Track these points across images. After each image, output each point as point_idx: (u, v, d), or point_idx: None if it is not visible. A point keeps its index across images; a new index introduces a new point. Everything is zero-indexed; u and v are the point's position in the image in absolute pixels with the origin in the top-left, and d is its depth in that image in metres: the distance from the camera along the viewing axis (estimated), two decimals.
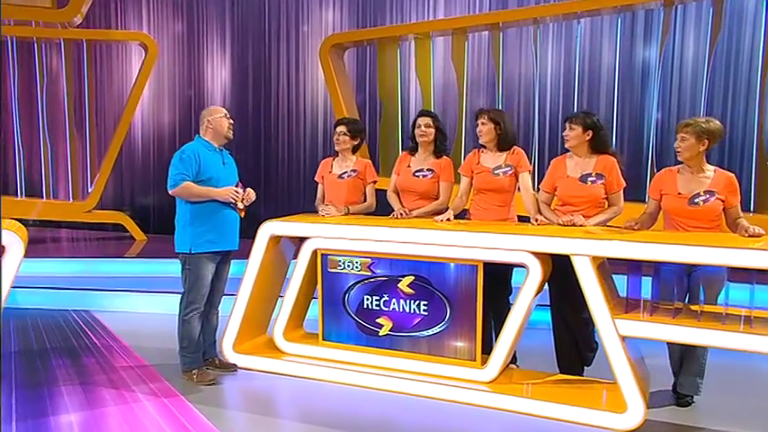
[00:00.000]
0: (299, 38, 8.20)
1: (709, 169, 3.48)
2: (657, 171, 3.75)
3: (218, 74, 8.87)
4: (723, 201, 3.37)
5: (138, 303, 5.63)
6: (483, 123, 3.91)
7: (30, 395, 3.58)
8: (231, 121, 3.92)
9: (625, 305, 3.28)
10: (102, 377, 3.88)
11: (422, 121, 4.08)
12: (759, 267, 2.88)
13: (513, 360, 3.93)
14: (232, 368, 4.01)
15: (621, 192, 3.74)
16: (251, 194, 3.88)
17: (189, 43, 8.88)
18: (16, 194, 7.57)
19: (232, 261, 3.98)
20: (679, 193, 3.45)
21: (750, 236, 3.16)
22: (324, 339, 3.99)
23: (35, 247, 7.49)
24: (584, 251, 3.21)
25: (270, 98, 8.55)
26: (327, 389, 3.75)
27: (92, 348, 4.52)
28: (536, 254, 3.36)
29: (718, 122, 3.46)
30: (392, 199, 4.20)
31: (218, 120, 3.84)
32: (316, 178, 4.41)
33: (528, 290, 3.40)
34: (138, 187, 9.09)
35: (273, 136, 8.42)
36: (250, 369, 3.99)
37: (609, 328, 3.17)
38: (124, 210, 8.04)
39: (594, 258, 3.19)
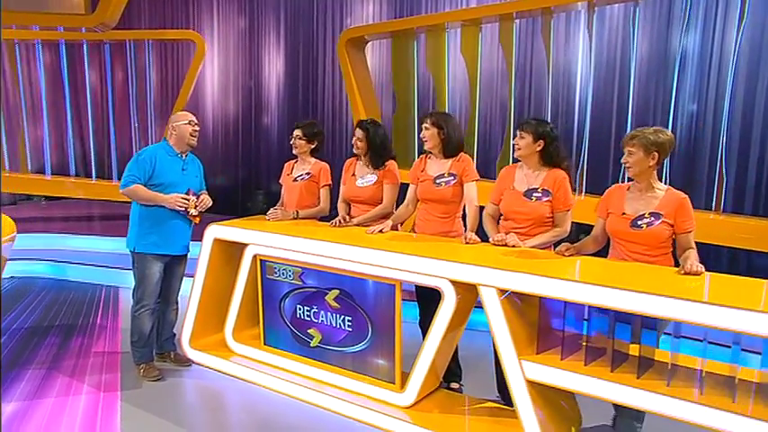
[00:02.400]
0: (342, 30, 7.98)
1: (661, 188, 2.79)
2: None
3: (273, 65, 8.85)
4: (672, 225, 2.70)
5: None
6: (426, 128, 3.44)
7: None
8: (195, 128, 3.74)
9: (545, 343, 2.76)
10: (70, 362, 3.93)
11: (356, 134, 3.70)
12: (682, 320, 2.26)
13: (457, 379, 3.54)
14: (187, 363, 3.94)
15: (569, 212, 3.13)
16: (205, 201, 3.72)
17: (250, 38, 8.93)
18: (91, 177, 8.07)
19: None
20: (623, 213, 2.80)
21: (686, 273, 2.50)
22: (264, 344, 3.79)
23: (93, 225, 8.01)
24: (489, 282, 2.71)
25: (317, 89, 8.42)
26: (266, 393, 3.56)
27: (88, 329, 4.62)
28: (451, 279, 2.90)
29: (668, 133, 2.76)
30: (340, 207, 3.87)
31: (181, 126, 3.69)
32: (280, 180, 4.18)
33: (443, 315, 2.95)
34: (206, 170, 9.39)
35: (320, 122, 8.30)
36: (201, 365, 3.92)
37: (515, 369, 2.67)
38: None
39: (501, 290, 2.69)
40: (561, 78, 6.21)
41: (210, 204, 3.78)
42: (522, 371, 2.65)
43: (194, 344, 3.97)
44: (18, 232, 4.53)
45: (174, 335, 4.00)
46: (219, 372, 3.82)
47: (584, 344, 2.73)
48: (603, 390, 2.47)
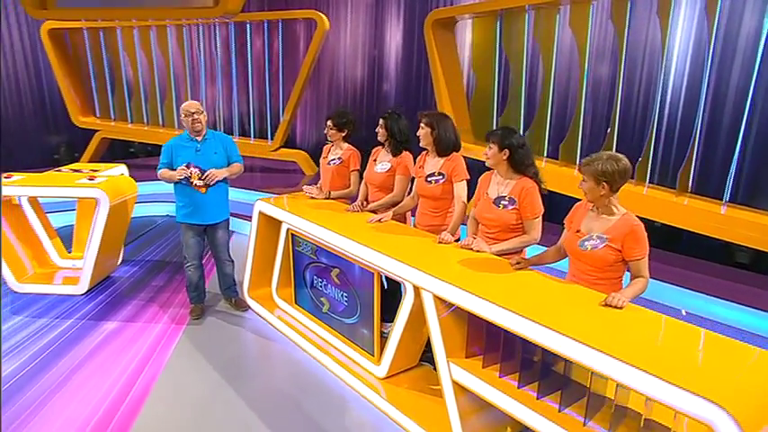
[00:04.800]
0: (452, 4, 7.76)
1: (618, 212, 2.59)
2: None
3: (393, 37, 8.99)
4: (619, 251, 2.52)
5: None
6: (420, 127, 3.49)
7: (117, 299, 4.78)
8: (191, 118, 4.01)
9: (474, 349, 2.77)
10: (166, 296, 4.79)
11: (379, 123, 3.83)
12: (570, 358, 2.17)
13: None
14: (244, 308, 4.58)
15: (538, 219, 3.02)
16: (211, 175, 4.02)
17: (376, 11, 9.14)
18: (233, 135, 9.11)
19: None
20: (578, 231, 2.67)
21: (606, 305, 2.35)
22: (295, 303, 4.28)
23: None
24: (425, 286, 2.80)
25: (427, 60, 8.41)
26: (292, 346, 4.06)
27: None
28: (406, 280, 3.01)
29: (620, 162, 2.51)
30: (361, 190, 4.10)
31: (183, 119, 4.06)
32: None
33: (405, 306, 3.10)
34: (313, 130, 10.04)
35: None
36: (255, 312, 4.55)
37: (444, 369, 2.78)
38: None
39: (436, 296, 2.77)
40: (676, 61, 5.45)
41: (219, 177, 4.08)
42: (449, 371, 2.75)
43: (251, 294, 4.58)
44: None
45: (234, 284, 4.61)
46: (266, 321, 4.40)
47: (519, 354, 2.71)
48: (507, 405, 2.48)
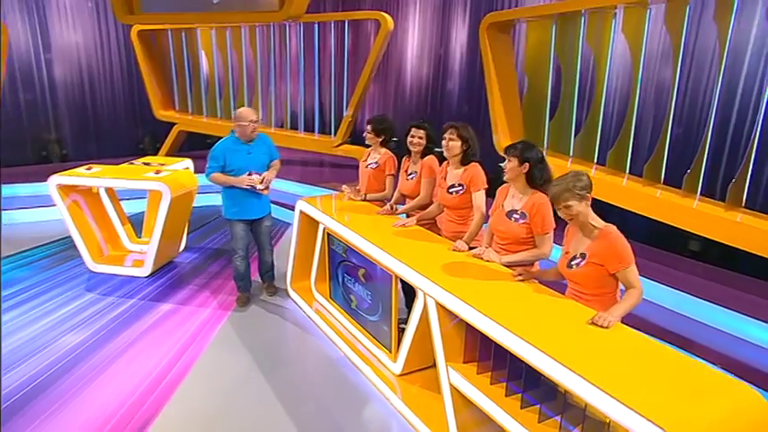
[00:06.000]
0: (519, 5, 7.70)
1: (596, 226, 2.66)
2: None
3: (458, 37, 9.03)
4: (602, 265, 2.58)
5: None
6: (451, 139, 3.60)
7: (175, 283, 5.28)
8: (252, 126, 4.36)
9: (472, 354, 2.89)
10: (219, 281, 5.25)
11: (415, 132, 3.99)
12: (550, 377, 2.26)
13: None
14: (272, 292, 4.95)
15: (548, 235, 3.08)
16: (268, 177, 4.43)
17: (443, 11, 9.22)
18: (299, 130, 9.52)
19: None
20: (566, 252, 2.74)
21: (592, 323, 2.41)
22: (329, 297, 4.55)
23: (293, 170, 9.45)
24: (430, 292, 2.96)
25: None
26: (320, 336, 4.37)
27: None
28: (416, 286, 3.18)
29: (585, 175, 2.58)
30: (396, 194, 4.28)
31: (242, 125, 4.36)
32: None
33: (416, 309, 3.28)
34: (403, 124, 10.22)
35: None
36: (296, 304, 4.86)
37: (443, 372, 2.93)
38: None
39: (438, 303, 2.91)
40: (733, 69, 5.18)
41: (273, 177, 4.48)
42: (447, 374, 2.90)
43: (293, 286, 4.93)
44: None
45: (271, 269, 4.97)
46: (305, 313, 4.72)
47: (508, 365, 2.79)
48: (494, 412, 2.61)
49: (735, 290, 4.55)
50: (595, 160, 5.62)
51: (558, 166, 5.62)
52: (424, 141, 3.98)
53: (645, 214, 4.90)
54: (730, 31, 4.39)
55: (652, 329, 4.03)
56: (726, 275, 4.84)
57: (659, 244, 5.36)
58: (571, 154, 5.83)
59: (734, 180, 4.57)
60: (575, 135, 5.81)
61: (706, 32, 5.20)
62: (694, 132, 5.39)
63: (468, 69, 8.93)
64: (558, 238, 2.94)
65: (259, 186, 4.45)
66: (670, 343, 3.77)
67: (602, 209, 4.66)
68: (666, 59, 5.43)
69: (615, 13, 5.15)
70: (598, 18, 5.28)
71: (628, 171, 5.33)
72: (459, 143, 3.57)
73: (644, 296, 4.12)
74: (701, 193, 4.79)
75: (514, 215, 3.13)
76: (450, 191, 3.60)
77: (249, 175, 4.41)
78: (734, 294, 4.46)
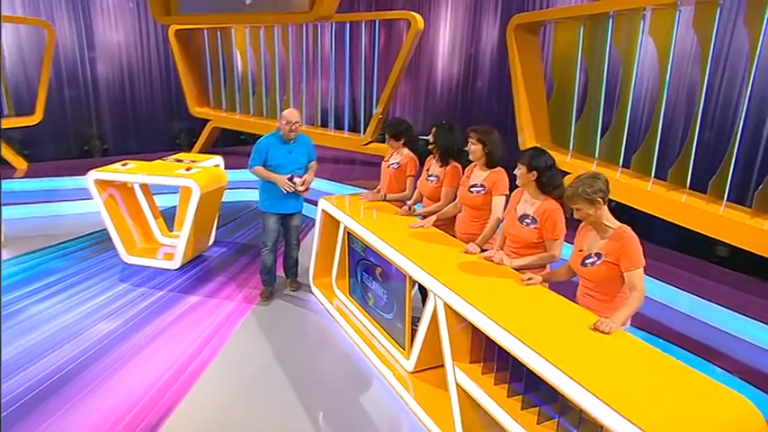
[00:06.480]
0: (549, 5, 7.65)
1: (611, 226, 2.69)
2: None
3: (489, 36, 9.02)
4: (616, 264, 2.62)
5: None
6: (472, 143, 3.68)
7: (203, 276, 5.49)
8: (290, 127, 4.54)
9: (478, 354, 2.95)
10: (245, 275, 5.46)
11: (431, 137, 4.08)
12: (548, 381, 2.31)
13: None
14: (295, 288, 5.10)
15: (559, 240, 3.12)
16: (307, 180, 4.64)
17: (474, 11, 9.22)
18: (329, 128, 9.65)
19: None
20: (580, 250, 2.79)
21: (594, 329, 2.45)
22: (349, 294, 4.68)
23: (325, 167, 9.52)
24: (439, 293, 3.03)
25: None
26: (339, 332, 4.50)
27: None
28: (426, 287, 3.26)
29: (602, 176, 2.62)
30: (415, 195, 4.39)
31: (282, 125, 4.57)
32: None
33: (428, 308, 3.36)
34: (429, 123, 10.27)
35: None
36: (318, 300, 5.00)
37: (450, 371, 3.01)
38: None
39: (446, 304, 2.99)
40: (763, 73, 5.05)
41: (312, 180, 4.66)
42: (454, 374, 2.98)
43: (316, 282, 5.08)
44: None
45: (296, 265, 5.15)
46: (326, 309, 4.85)
47: (510, 366, 2.84)
48: (496, 412, 2.67)
49: (761, 299, 4.46)
50: (620, 163, 5.57)
51: (582, 168, 5.61)
52: (433, 144, 4.05)
53: (670, 219, 4.85)
54: (762, 36, 4.31)
55: (674, 337, 4.02)
56: (753, 284, 4.75)
57: (687, 249, 5.29)
58: (596, 156, 5.79)
59: (761, 186, 4.48)
60: (600, 137, 5.77)
61: (740, 35, 5.10)
62: (726, 136, 5.29)
63: (498, 68, 8.91)
64: (569, 237, 2.99)
65: (300, 189, 4.61)
66: (692, 352, 3.81)
67: (627, 212, 4.65)
68: (696, 62, 5.34)
69: (644, 15, 5.09)
70: (626, 20, 5.24)
71: (653, 175, 5.27)
72: (480, 147, 3.64)
73: (669, 304, 4.12)
74: (732, 200, 4.71)
75: (526, 220, 3.19)
76: (472, 190, 3.68)
77: (290, 179, 4.58)
78: (760, 304, 4.37)
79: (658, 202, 4.91)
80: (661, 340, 3.99)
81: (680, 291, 4.49)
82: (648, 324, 4.09)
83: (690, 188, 5.00)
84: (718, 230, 4.51)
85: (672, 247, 5.34)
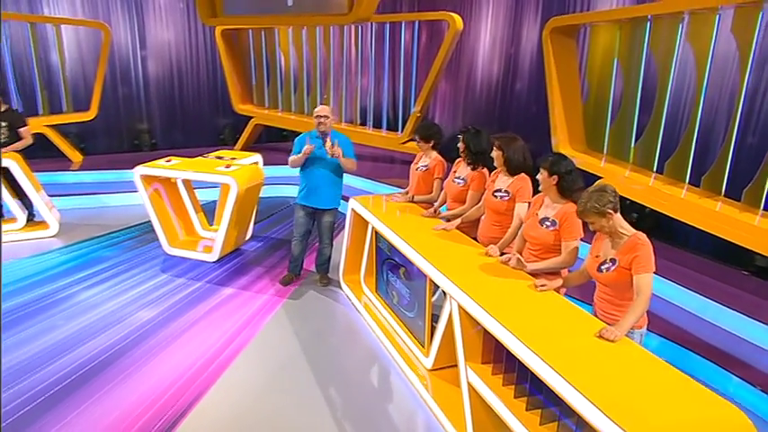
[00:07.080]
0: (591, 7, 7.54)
1: (625, 233, 2.76)
2: None
3: (529, 36, 8.96)
4: (629, 269, 2.67)
5: None
6: (495, 149, 3.76)
7: (239, 269, 5.75)
8: (318, 121, 4.80)
9: (490, 355, 3.03)
10: (278, 270, 5.71)
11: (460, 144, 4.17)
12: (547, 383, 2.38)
13: None
14: (324, 283, 5.28)
15: (574, 243, 3.18)
16: (337, 149, 4.72)
17: (515, 11, 9.19)
18: (367, 126, 9.80)
19: None
20: (596, 256, 2.86)
21: (600, 336, 2.50)
22: (375, 290, 4.82)
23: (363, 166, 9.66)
24: (454, 295, 3.13)
25: None
26: (365, 328, 4.66)
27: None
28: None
29: (607, 189, 2.70)
30: (441, 196, 4.49)
31: (315, 119, 4.84)
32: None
33: (446, 308, 3.47)
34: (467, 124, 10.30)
35: None
36: (347, 296, 5.17)
37: (462, 370, 3.11)
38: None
39: (460, 305, 3.08)
40: None
41: (340, 151, 4.75)
42: (466, 373, 3.08)
43: (345, 278, 5.25)
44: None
45: (327, 262, 5.32)
46: (353, 305, 5.01)
47: (517, 369, 2.89)
48: (502, 412, 2.76)
49: None
50: (654, 169, 5.49)
51: (616, 173, 5.56)
52: (462, 145, 4.14)
53: (702, 228, 4.77)
54: None
55: (703, 349, 3.98)
56: None
57: (724, 258, 5.18)
58: (630, 161, 5.73)
59: None
60: (635, 142, 5.70)
61: None
62: (761, 145, 5.14)
63: (537, 70, 8.83)
64: (587, 239, 3.04)
65: (329, 144, 4.75)
66: (713, 361, 3.76)
67: (664, 219, 4.54)
68: (735, 66, 5.20)
69: (683, 19, 5.01)
70: (664, 24, 5.16)
71: (688, 181, 5.19)
72: (500, 153, 3.71)
73: (703, 316, 4.10)
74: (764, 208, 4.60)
75: (546, 222, 3.26)
76: (496, 194, 3.78)
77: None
78: None
79: (691, 209, 4.84)
80: (686, 349, 3.97)
81: (709, 300, 4.43)
82: (678, 334, 4.08)
83: (727, 196, 4.89)
84: (753, 241, 4.41)
85: (709, 255, 5.25)
